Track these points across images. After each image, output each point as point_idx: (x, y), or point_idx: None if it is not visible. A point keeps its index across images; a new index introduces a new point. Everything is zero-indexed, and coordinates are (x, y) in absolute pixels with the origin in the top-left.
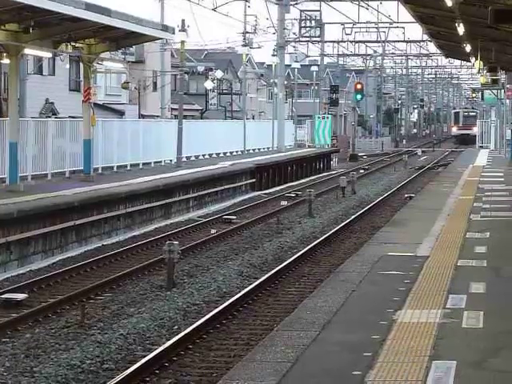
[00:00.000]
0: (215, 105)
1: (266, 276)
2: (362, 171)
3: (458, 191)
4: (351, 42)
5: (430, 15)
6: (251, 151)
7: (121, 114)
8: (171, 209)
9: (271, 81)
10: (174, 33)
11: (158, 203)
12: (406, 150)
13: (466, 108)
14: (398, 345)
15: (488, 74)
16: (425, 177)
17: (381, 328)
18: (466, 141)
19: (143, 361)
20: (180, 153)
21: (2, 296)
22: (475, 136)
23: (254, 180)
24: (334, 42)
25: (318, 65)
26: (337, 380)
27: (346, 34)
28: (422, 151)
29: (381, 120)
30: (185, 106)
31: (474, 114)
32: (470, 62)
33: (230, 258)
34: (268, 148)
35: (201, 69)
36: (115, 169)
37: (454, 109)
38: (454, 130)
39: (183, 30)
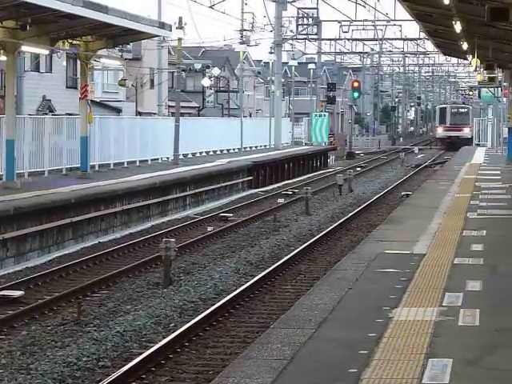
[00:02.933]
0: (212, 102)
1: (263, 273)
2: (358, 169)
3: (454, 189)
4: (348, 39)
5: (427, 13)
6: (248, 149)
7: (118, 111)
8: (168, 206)
9: (268, 78)
10: (171, 30)
11: (154, 200)
12: (402, 148)
13: (454, 103)
14: (395, 342)
15: (485, 71)
16: (422, 175)
17: (377, 326)
18: (456, 145)
19: (139, 358)
20: (177, 150)
21: None
22: (467, 139)
23: (250, 178)
24: (331, 39)
25: (315, 62)
26: (333, 377)
27: (343, 32)
28: (419, 149)
29: (378, 118)
30: (182, 104)
31: (465, 110)
32: (467, 60)
33: (226, 256)
34: (265, 146)
35: (198, 66)
36: (112, 166)
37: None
38: (440, 132)
39: (180, 27)
